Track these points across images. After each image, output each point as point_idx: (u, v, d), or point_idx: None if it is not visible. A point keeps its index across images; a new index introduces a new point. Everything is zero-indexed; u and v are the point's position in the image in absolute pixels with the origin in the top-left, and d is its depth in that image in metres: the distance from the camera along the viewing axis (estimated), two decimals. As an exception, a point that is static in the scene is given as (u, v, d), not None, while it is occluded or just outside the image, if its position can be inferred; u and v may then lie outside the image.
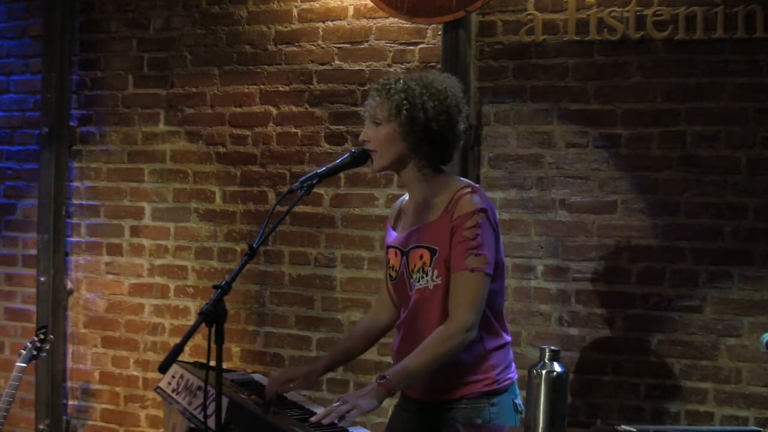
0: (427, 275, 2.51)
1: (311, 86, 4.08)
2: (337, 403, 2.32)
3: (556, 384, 2.19)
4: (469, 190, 2.52)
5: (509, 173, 3.76)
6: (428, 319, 2.52)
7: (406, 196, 2.71)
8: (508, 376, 2.60)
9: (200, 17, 4.28)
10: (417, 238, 2.55)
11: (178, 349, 2.02)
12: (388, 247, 2.68)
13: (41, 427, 4.48)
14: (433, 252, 2.50)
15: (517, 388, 2.63)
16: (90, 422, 4.52)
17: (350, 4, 4.00)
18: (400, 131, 2.52)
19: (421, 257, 2.52)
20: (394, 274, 2.64)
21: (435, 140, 2.53)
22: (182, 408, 2.49)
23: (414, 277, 2.55)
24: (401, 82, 2.55)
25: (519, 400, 2.62)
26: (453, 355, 2.44)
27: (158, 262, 4.37)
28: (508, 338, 2.64)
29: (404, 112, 2.50)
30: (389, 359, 3.83)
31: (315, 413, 2.36)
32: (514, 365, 2.65)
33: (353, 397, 2.35)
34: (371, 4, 3.85)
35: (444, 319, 2.47)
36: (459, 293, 2.45)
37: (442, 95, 2.54)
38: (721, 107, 3.49)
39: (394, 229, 2.71)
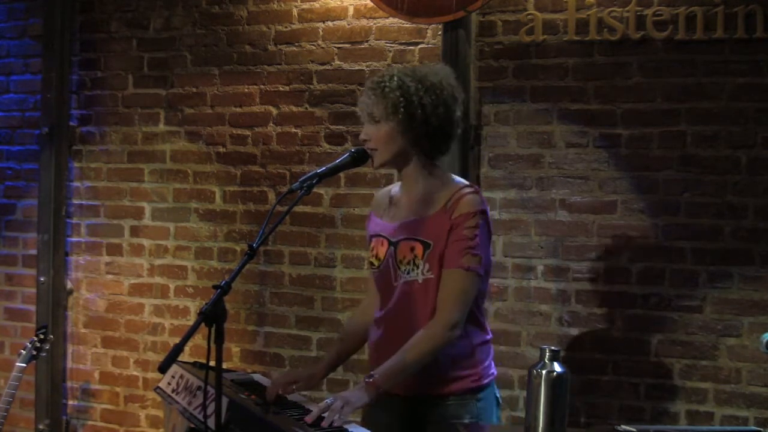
0: (417, 268, 2.51)
1: (311, 86, 4.07)
2: (330, 400, 2.32)
3: (556, 384, 2.20)
4: (471, 190, 2.54)
5: (509, 173, 3.76)
6: (415, 314, 2.52)
7: (395, 187, 2.71)
8: (491, 372, 2.63)
9: (200, 17, 4.28)
10: (410, 231, 2.54)
11: (178, 349, 2.01)
12: (373, 235, 2.67)
13: (41, 427, 4.47)
14: (426, 246, 2.50)
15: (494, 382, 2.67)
16: (90, 422, 4.52)
17: (350, 4, 3.99)
18: (399, 129, 2.52)
19: (413, 249, 2.52)
20: (377, 263, 2.62)
21: (435, 134, 2.54)
22: (182, 408, 2.48)
23: (402, 268, 2.54)
24: (395, 79, 2.53)
25: (499, 394, 2.67)
26: (438, 353, 2.46)
27: (158, 262, 4.37)
28: (491, 335, 2.67)
29: (401, 110, 2.50)
30: (389, 359, 3.84)
31: (314, 413, 2.37)
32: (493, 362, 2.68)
33: (342, 395, 2.35)
34: (371, 4, 3.84)
35: (432, 314, 2.48)
36: (449, 290, 2.47)
37: (438, 88, 2.53)
38: (721, 107, 3.49)
39: (379, 217, 2.69)
